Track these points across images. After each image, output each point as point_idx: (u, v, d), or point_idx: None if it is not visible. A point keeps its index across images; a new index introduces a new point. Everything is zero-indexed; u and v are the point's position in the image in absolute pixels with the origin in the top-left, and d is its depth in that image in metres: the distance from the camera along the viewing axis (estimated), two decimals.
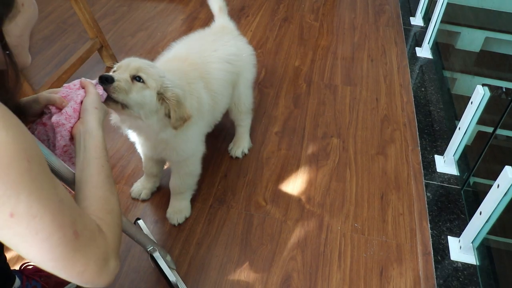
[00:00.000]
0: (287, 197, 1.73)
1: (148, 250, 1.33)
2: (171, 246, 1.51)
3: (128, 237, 1.18)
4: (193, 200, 1.67)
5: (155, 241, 1.42)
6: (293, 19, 3.00)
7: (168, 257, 1.38)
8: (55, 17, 2.78)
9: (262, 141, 1.98)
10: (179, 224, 1.58)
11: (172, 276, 1.33)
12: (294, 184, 1.78)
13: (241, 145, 1.88)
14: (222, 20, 1.81)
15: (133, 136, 1.46)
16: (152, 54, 2.49)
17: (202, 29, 1.76)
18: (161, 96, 1.22)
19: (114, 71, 1.20)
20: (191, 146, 1.44)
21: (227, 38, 1.70)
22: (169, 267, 1.35)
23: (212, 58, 1.56)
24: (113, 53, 2.35)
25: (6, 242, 0.60)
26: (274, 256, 1.51)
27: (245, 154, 1.89)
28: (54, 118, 0.93)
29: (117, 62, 1.24)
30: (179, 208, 1.60)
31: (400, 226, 1.65)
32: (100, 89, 1.04)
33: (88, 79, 1.02)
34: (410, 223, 1.66)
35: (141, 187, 1.68)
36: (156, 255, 1.34)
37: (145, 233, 1.42)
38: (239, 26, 2.82)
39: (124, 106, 1.16)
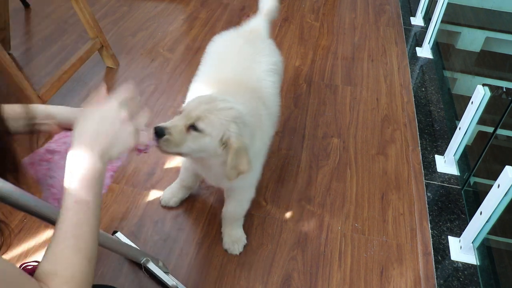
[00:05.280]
0: (288, 197, 1.73)
1: (142, 262, 1.33)
2: (171, 246, 1.51)
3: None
4: (193, 201, 1.67)
5: (138, 248, 1.42)
6: (293, 19, 3.00)
7: (160, 263, 1.38)
8: (56, 17, 2.78)
9: None
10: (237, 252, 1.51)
11: (170, 281, 1.34)
12: (295, 184, 1.78)
13: None
14: (257, 22, 1.73)
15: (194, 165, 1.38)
16: (152, 54, 2.49)
17: (226, 31, 1.68)
18: (225, 142, 1.15)
19: (180, 111, 1.17)
20: (255, 175, 1.39)
21: (261, 46, 1.60)
22: (164, 272, 1.35)
23: (261, 75, 1.47)
24: (113, 53, 2.35)
25: None
26: (274, 256, 1.51)
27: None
28: None
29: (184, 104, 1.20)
30: (237, 237, 1.51)
31: (400, 226, 1.65)
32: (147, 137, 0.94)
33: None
34: (411, 223, 1.66)
35: (171, 195, 1.63)
36: (151, 265, 1.34)
37: (128, 244, 1.43)
38: (240, 27, 2.82)
39: (177, 154, 1.16)
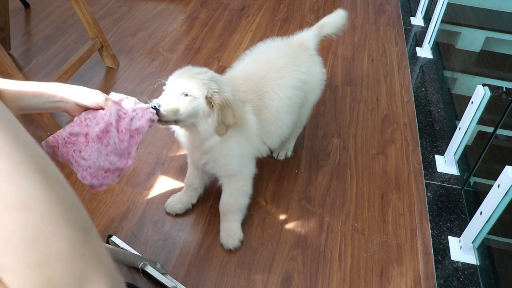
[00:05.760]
0: (287, 197, 1.73)
1: (140, 267, 1.33)
2: (171, 246, 1.51)
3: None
4: None
5: (136, 253, 1.42)
6: (293, 19, 3.00)
7: (158, 265, 1.38)
8: (56, 17, 2.78)
9: None
10: (232, 248, 1.52)
11: (170, 282, 1.34)
12: (295, 184, 1.78)
13: (285, 148, 1.87)
14: (308, 34, 1.72)
15: (183, 142, 1.47)
16: (152, 54, 2.49)
17: (279, 39, 1.69)
18: (209, 101, 1.28)
19: (163, 89, 1.30)
20: (233, 161, 1.42)
21: (300, 60, 1.62)
22: (162, 274, 1.35)
23: (273, 87, 1.50)
24: (113, 53, 2.35)
25: None
26: (274, 256, 1.51)
27: (287, 157, 1.89)
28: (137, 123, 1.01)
29: (166, 80, 1.32)
30: (232, 231, 1.53)
31: (400, 226, 1.65)
32: (152, 111, 1.11)
33: (141, 104, 1.08)
34: (411, 223, 1.66)
35: (176, 201, 1.62)
36: (148, 268, 1.34)
37: (123, 248, 1.42)
38: (240, 26, 2.83)
39: (177, 121, 1.26)
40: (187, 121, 1.28)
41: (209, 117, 1.30)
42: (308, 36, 1.72)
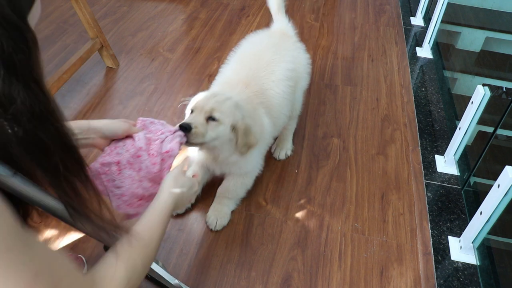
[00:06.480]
0: (287, 197, 1.73)
1: None
2: (171, 246, 1.51)
3: None
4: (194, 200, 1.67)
5: None
6: (293, 19, 2.99)
7: (160, 263, 1.38)
8: (56, 17, 2.78)
9: None
10: (215, 230, 1.58)
11: (173, 279, 1.33)
12: (295, 184, 1.78)
13: (284, 147, 1.89)
14: (280, 22, 1.83)
15: (200, 157, 1.54)
16: (152, 54, 2.49)
17: (260, 32, 1.79)
18: (233, 127, 1.36)
19: (191, 110, 1.36)
20: (252, 163, 1.56)
21: (284, 50, 1.70)
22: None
23: (270, 84, 1.59)
24: (113, 53, 2.35)
25: None
26: (274, 256, 1.51)
27: (288, 156, 1.90)
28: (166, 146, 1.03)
29: (189, 98, 1.41)
30: (221, 213, 1.58)
31: (400, 226, 1.65)
32: (180, 134, 1.13)
33: (169, 126, 1.09)
34: (411, 223, 1.66)
35: None
36: (152, 264, 1.34)
37: None
38: (240, 26, 2.83)
39: (202, 143, 1.32)
40: (211, 143, 1.34)
41: (231, 141, 1.38)
42: (284, 23, 1.82)
